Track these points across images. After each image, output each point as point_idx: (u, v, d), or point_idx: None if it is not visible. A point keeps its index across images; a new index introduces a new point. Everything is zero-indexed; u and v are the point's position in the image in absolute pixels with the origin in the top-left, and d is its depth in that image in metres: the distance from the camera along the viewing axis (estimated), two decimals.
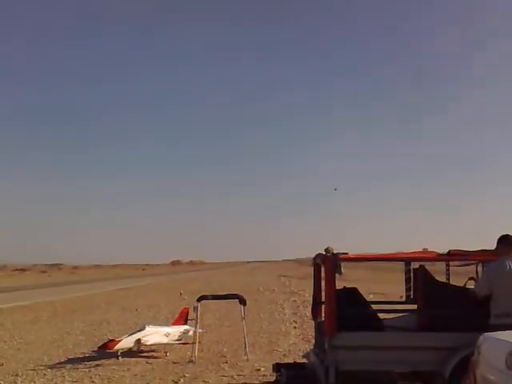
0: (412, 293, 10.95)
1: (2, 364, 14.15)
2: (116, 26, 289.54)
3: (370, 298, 15.13)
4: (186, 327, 16.25)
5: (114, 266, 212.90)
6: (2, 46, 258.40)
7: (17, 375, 12.60)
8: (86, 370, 13.06)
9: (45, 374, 12.66)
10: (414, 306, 10.56)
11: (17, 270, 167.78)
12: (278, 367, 11.11)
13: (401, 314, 10.75)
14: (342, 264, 9.42)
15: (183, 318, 16.85)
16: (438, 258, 9.99)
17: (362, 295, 10.57)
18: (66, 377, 12.32)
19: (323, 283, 10.08)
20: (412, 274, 10.93)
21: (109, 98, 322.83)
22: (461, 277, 10.63)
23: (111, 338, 15.29)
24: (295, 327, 19.52)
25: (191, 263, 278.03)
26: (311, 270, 11.64)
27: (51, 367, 13.49)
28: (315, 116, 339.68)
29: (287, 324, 20.52)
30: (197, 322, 14.42)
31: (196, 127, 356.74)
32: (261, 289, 42.40)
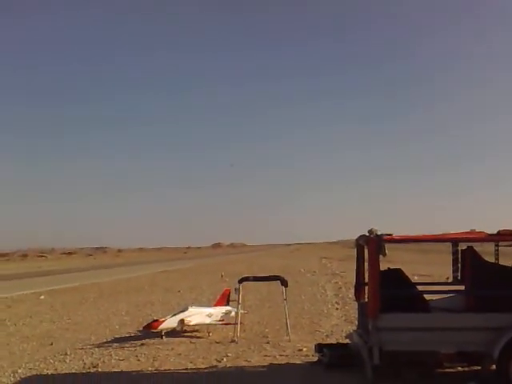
0: (460, 274, 10.78)
1: (52, 343, 14.55)
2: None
3: (414, 279, 14.95)
4: (228, 308, 16.38)
5: (157, 249, 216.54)
6: None
7: (66, 354, 12.93)
8: (132, 348, 13.32)
9: (92, 353, 12.95)
10: (461, 287, 10.40)
11: (64, 253, 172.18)
12: (320, 348, 11.15)
13: (447, 295, 10.61)
14: (387, 245, 9.32)
15: (225, 299, 16.99)
16: (488, 238, 9.78)
17: (406, 276, 10.45)
18: (113, 355, 12.57)
19: (366, 265, 10.02)
20: (460, 255, 10.76)
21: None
22: (510, 257, 10.40)
23: (155, 319, 15.51)
24: (337, 308, 19.49)
25: (232, 246, 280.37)
26: (353, 251, 11.57)
27: (98, 346, 13.82)
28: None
29: (329, 305, 20.50)
30: (238, 303, 14.52)
31: (232, 111, 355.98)
32: (302, 270, 42.46)
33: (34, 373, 11.19)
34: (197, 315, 15.20)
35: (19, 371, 11.29)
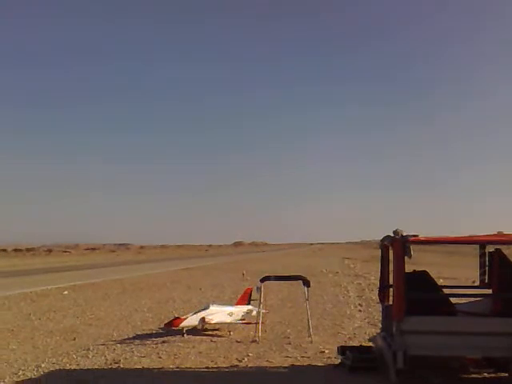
0: (487, 277, 10.57)
1: (75, 338, 14.64)
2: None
3: (440, 282, 14.71)
4: (250, 307, 16.33)
5: (179, 247, 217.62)
6: None
7: (88, 349, 13.00)
8: (154, 345, 13.32)
9: (114, 349, 12.99)
10: (489, 291, 10.20)
11: (88, 249, 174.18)
12: (343, 350, 11.01)
13: (473, 299, 10.41)
14: (412, 247, 9.17)
15: (246, 298, 16.93)
16: None
17: (432, 279, 10.29)
18: (135, 352, 12.60)
19: (391, 266, 9.86)
20: (487, 258, 10.55)
21: None
22: None
23: (177, 316, 15.54)
24: (360, 310, 19.29)
25: (253, 244, 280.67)
26: (376, 252, 11.43)
27: (120, 342, 13.86)
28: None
29: (352, 307, 20.31)
30: (260, 303, 14.44)
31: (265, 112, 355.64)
32: (324, 271, 42.25)
33: (57, 367, 11.25)
34: (218, 314, 15.17)
35: (43, 365, 11.37)
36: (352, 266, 51.33)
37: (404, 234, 9.28)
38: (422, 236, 9.39)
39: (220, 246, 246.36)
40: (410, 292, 9.00)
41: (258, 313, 14.38)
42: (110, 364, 11.46)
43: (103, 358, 12.09)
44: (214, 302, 17.09)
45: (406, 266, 9.19)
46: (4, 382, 10.14)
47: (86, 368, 11.18)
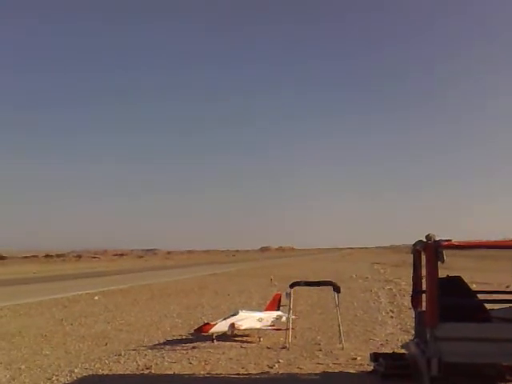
0: None
1: (106, 344, 14.76)
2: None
3: (473, 287, 14.46)
4: (279, 313, 16.24)
5: (206, 252, 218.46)
6: None
7: (120, 355, 13.08)
8: (184, 351, 13.34)
9: (145, 355, 13.04)
10: None
11: (116, 254, 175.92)
12: (375, 357, 10.88)
13: (509, 305, 10.19)
14: (445, 252, 9.03)
15: (276, 304, 16.84)
16: None
17: (466, 284, 10.11)
18: (166, 358, 12.63)
19: (424, 271, 9.72)
20: None
21: None
22: None
23: (206, 322, 15.56)
24: (392, 316, 19.04)
25: (280, 249, 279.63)
26: (407, 257, 11.29)
27: (151, 348, 13.92)
28: None
29: (383, 313, 20.07)
30: (290, 308, 14.35)
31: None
32: (354, 276, 41.89)
33: (90, 373, 11.35)
34: (247, 319, 15.12)
35: (76, 371, 11.48)
36: (382, 271, 50.83)
37: (437, 238, 9.13)
38: (455, 240, 9.23)
39: (247, 251, 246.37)
40: (443, 298, 8.84)
41: (288, 319, 14.28)
42: (142, 369, 11.52)
43: (135, 363, 12.15)
44: (243, 308, 17.06)
45: (438, 271, 9.05)
46: None
47: (118, 373, 11.26)
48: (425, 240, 9.23)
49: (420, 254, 10.26)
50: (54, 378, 10.98)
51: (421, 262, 10.38)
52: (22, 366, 12.05)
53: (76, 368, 11.73)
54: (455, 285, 9.87)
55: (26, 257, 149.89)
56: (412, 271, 10.84)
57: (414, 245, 10.21)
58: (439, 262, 8.97)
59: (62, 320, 19.68)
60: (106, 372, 11.42)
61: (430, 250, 9.06)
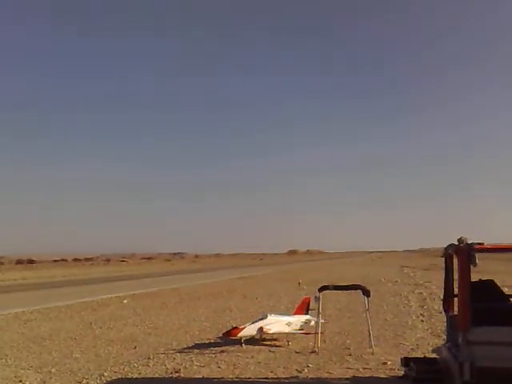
0: None
1: (135, 347, 14.83)
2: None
3: (504, 291, 14.14)
4: (308, 317, 16.12)
5: (233, 255, 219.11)
6: None
7: (149, 358, 13.12)
8: (212, 355, 13.32)
9: (174, 358, 13.06)
10: None
11: (144, 258, 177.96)
12: (406, 361, 10.70)
13: None
14: (477, 255, 8.86)
15: (304, 308, 16.72)
16: None
17: (499, 288, 9.90)
18: (194, 361, 12.62)
19: (455, 275, 9.56)
20: None
21: None
22: None
23: (235, 326, 15.52)
24: (422, 320, 18.75)
25: (308, 252, 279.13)
26: (437, 260, 11.15)
27: (180, 351, 13.93)
28: None
29: (413, 317, 19.78)
30: (319, 313, 14.23)
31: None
32: (383, 280, 41.47)
33: (119, 376, 11.40)
34: (276, 323, 15.03)
35: (105, 374, 11.55)
36: (412, 274, 50.21)
37: (469, 241, 8.97)
38: (487, 244, 9.05)
39: (274, 254, 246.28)
40: (475, 302, 8.67)
41: (317, 323, 14.17)
42: (171, 373, 11.53)
43: (163, 366, 12.17)
44: (271, 312, 16.98)
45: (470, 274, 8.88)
46: None
47: (147, 377, 11.29)
48: (457, 243, 9.08)
49: (452, 257, 10.08)
50: (84, 381, 11.05)
51: (452, 266, 10.20)
52: (53, 370, 12.17)
53: (105, 371, 11.79)
54: (488, 288, 9.67)
55: (55, 260, 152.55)
56: (443, 275, 10.67)
57: (445, 248, 10.04)
58: (471, 266, 8.81)
59: (92, 323, 19.87)
60: (135, 375, 11.45)
61: (462, 254, 8.90)
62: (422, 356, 11.82)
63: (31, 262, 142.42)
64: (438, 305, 20.16)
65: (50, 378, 11.44)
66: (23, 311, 24.21)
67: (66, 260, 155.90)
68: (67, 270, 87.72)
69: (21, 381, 11.14)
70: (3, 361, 13.28)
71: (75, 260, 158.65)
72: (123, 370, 11.98)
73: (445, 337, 11.04)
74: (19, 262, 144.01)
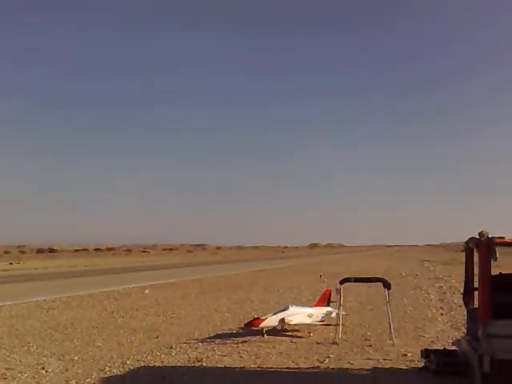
0: None
1: (158, 337, 15.06)
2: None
3: None
4: (329, 309, 16.23)
5: (255, 248, 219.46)
6: None
7: (171, 347, 13.33)
8: (234, 345, 13.51)
9: (196, 348, 13.26)
10: None
11: (166, 249, 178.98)
12: (426, 353, 10.79)
13: None
14: (498, 249, 8.90)
15: (326, 300, 16.85)
16: None
17: None
18: (216, 351, 12.81)
19: (476, 269, 9.59)
20: None
21: None
22: None
23: (256, 317, 15.67)
24: (442, 314, 18.78)
25: (329, 246, 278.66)
26: (457, 255, 11.23)
27: (202, 341, 14.13)
28: None
29: (433, 310, 19.81)
30: (340, 304, 14.35)
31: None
32: (403, 273, 41.39)
33: (142, 364, 11.60)
34: (297, 315, 15.19)
35: (128, 362, 11.74)
36: (432, 268, 49.98)
37: (490, 235, 8.99)
38: (508, 238, 9.07)
39: (296, 247, 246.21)
40: (496, 295, 8.71)
41: (338, 315, 14.29)
42: (193, 362, 11.72)
43: (186, 356, 12.37)
44: (293, 303, 17.12)
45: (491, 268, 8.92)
46: (91, 378, 10.53)
47: (170, 365, 11.48)
48: (478, 237, 9.11)
49: (472, 251, 10.11)
50: (107, 369, 11.24)
51: (473, 260, 10.23)
52: (75, 357, 12.38)
53: (128, 360, 11.99)
54: (508, 282, 9.69)
55: (76, 250, 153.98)
56: (464, 268, 10.70)
57: (466, 242, 10.07)
58: (492, 260, 8.84)
59: (114, 312, 20.18)
60: (157, 364, 11.66)
61: (483, 247, 8.93)
62: (442, 348, 11.87)
63: (52, 251, 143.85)
64: (458, 298, 20.14)
65: (73, 365, 11.64)
66: (45, 300, 24.57)
67: (87, 250, 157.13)
68: (88, 260, 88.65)
69: (43, 368, 11.34)
70: (25, 348, 13.54)
71: (96, 250, 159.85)
72: (146, 358, 12.19)
73: (465, 330, 11.09)
74: (40, 251, 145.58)
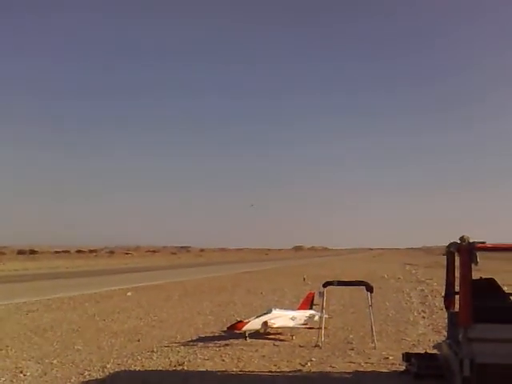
0: None
1: (139, 340, 14.94)
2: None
3: (504, 289, 14.21)
4: (312, 312, 16.28)
5: (239, 250, 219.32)
6: None
7: (152, 351, 13.23)
8: (216, 348, 13.45)
9: (178, 351, 13.18)
10: None
11: (149, 251, 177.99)
12: (408, 357, 10.84)
13: None
14: (478, 253, 8.96)
15: (309, 303, 16.89)
16: None
17: (500, 286, 10.00)
18: (198, 354, 12.74)
19: (457, 273, 9.66)
20: None
21: None
22: None
23: (239, 320, 15.63)
24: (424, 317, 18.90)
25: (313, 249, 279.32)
26: (439, 258, 11.27)
27: (184, 344, 14.06)
28: None
29: (415, 313, 19.94)
30: (322, 308, 14.38)
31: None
32: (385, 276, 41.62)
33: (122, 368, 11.49)
34: (280, 318, 15.18)
35: (108, 366, 11.63)
36: (414, 271, 50.29)
37: (471, 240, 9.06)
38: (489, 243, 9.14)
39: (280, 250, 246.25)
40: (476, 299, 8.77)
41: (321, 318, 14.32)
42: (174, 366, 11.63)
43: (167, 359, 12.28)
44: (276, 306, 17.12)
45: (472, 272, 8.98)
46: (70, 382, 10.41)
47: (150, 369, 11.38)
48: (459, 242, 9.17)
49: (453, 255, 10.19)
50: (86, 373, 11.11)
51: (454, 264, 10.31)
52: (54, 361, 12.24)
53: (108, 363, 11.88)
54: (488, 286, 9.77)
55: (57, 252, 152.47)
56: (445, 272, 10.78)
57: (447, 246, 10.14)
58: (473, 264, 8.90)
59: (95, 315, 20.01)
60: (138, 368, 11.55)
61: (464, 252, 8.99)
62: (423, 352, 11.94)
63: (33, 252, 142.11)
64: (439, 302, 20.25)
65: (52, 369, 11.50)
66: (25, 302, 24.30)
67: (68, 251, 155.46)
68: (70, 262, 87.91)
69: (21, 372, 11.19)
70: (4, 352, 13.36)
71: (78, 251, 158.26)
72: (126, 362, 12.07)
73: (446, 333, 11.16)
74: (21, 252, 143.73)
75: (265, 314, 15.34)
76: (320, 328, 13.99)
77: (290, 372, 10.97)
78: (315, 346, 13.52)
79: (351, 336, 15.09)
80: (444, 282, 10.91)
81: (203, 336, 15.33)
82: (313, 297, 17.01)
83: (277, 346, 13.81)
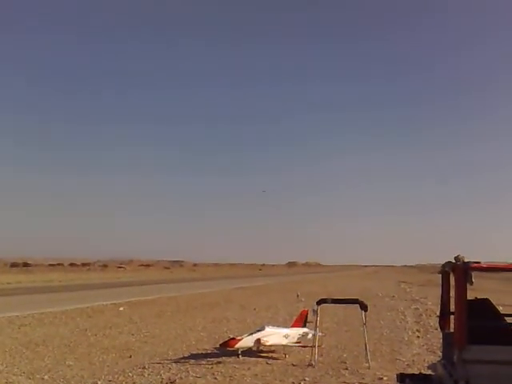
0: None
1: (131, 356, 14.80)
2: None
3: (500, 309, 14.13)
4: (305, 330, 16.13)
5: (232, 265, 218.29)
6: None
7: (144, 368, 13.09)
8: (209, 366, 13.32)
9: (170, 368, 13.04)
10: None
11: (142, 265, 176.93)
12: (402, 377, 10.66)
13: None
14: (473, 273, 8.90)
15: (302, 321, 16.75)
16: None
17: (495, 307, 9.92)
18: (190, 372, 12.61)
19: (452, 292, 9.59)
20: None
21: None
22: None
23: (232, 337, 15.49)
24: (418, 336, 18.79)
25: (307, 265, 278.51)
26: (433, 276, 11.23)
27: (176, 361, 13.91)
28: None
29: (410, 333, 19.82)
30: (316, 326, 14.26)
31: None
32: (380, 294, 41.47)
33: None
34: (274, 335, 15.05)
35: (99, 383, 11.53)
36: (408, 290, 50.21)
37: (466, 260, 9.01)
38: (484, 263, 9.09)
39: (273, 265, 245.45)
40: (471, 320, 8.69)
41: (314, 336, 14.19)
42: (166, 383, 11.51)
43: (159, 376, 12.15)
44: (269, 324, 16.99)
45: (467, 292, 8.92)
46: None
47: None
48: (454, 261, 9.12)
49: (448, 275, 10.10)
50: None
51: (449, 283, 10.23)
52: (45, 376, 12.11)
53: (99, 380, 11.76)
54: (483, 307, 9.69)
55: (51, 264, 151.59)
56: (440, 291, 10.70)
57: (442, 266, 10.07)
58: (468, 284, 8.84)
59: (87, 330, 19.83)
60: None
61: (459, 272, 8.91)
62: (418, 372, 11.82)
63: (26, 265, 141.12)
64: (434, 321, 20.17)
65: None
66: (17, 316, 24.08)
67: (62, 264, 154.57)
68: (63, 275, 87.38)
69: None
70: None
71: (71, 265, 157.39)
72: (117, 379, 11.94)
73: (440, 353, 11.06)
74: (14, 264, 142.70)
75: (258, 331, 15.21)
76: (313, 346, 13.85)
77: None
78: (308, 365, 13.40)
79: (345, 355, 14.97)
80: (439, 302, 10.83)
81: (195, 353, 15.19)
82: (306, 314, 16.88)
83: (270, 364, 13.68)
